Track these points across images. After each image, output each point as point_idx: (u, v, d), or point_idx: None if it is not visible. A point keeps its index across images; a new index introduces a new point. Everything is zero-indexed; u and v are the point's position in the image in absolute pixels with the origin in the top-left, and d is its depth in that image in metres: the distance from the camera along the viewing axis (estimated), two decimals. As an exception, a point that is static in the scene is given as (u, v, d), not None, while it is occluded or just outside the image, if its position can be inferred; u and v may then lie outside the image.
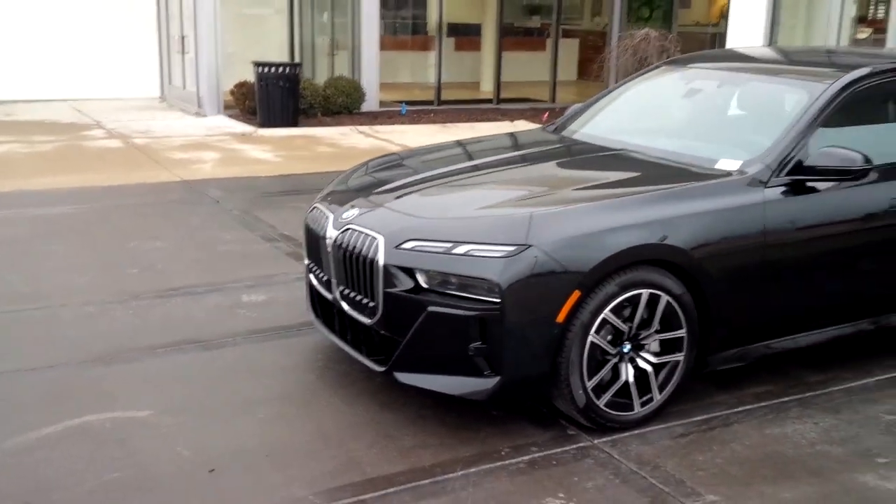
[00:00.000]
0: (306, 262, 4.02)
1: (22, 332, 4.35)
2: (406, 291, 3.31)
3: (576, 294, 3.24)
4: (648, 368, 3.49)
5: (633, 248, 3.33)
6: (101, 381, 3.81)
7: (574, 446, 3.37)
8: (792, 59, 4.98)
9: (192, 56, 12.54)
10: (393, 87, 14.34)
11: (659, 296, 3.42)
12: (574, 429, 3.48)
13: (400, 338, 3.36)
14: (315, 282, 3.92)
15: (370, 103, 13.04)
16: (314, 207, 3.94)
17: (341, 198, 3.85)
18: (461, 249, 3.25)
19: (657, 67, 4.96)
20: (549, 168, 4.19)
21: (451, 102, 14.25)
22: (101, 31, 13.71)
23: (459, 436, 3.41)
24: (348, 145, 10.26)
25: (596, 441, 3.40)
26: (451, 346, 3.27)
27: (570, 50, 16.18)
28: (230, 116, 11.93)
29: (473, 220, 3.39)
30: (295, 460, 3.19)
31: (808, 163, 3.69)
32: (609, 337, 3.40)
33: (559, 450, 3.33)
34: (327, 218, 3.74)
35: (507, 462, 3.22)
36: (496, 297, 3.17)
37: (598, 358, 3.37)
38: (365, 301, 3.47)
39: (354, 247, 3.49)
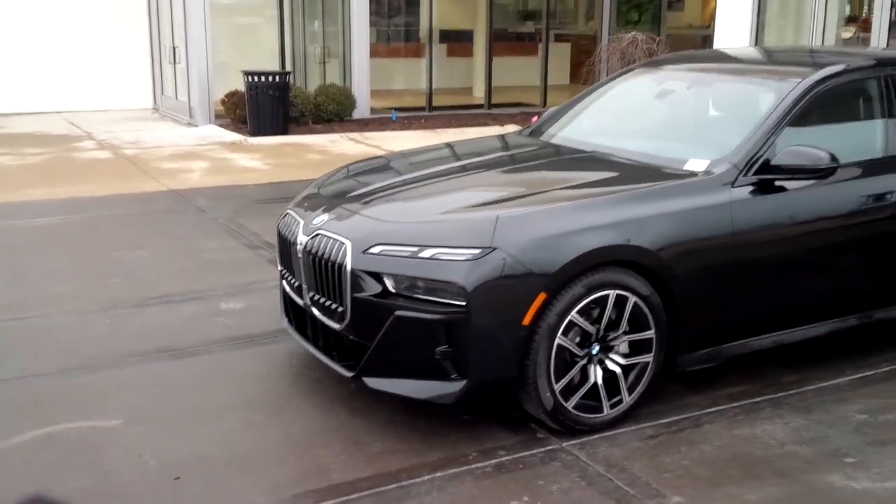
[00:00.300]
0: (279, 268, 4.03)
1: (-2, 343, 4.37)
2: (374, 296, 3.32)
3: (542, 296, 3.25)
4: (617, 370, 3.49)
5: (599, 250, 3.34)
6: (72, 390, 3.82)
7: (542, 449, 3.36)
8: (764, 60, 4.99)
9: (183, 66, 12.59)
10: (385, 93, 14.38)
11: (626, 297, 3.42)
12: (543, 432, 3.48)
13: (368, 342, 3.37)
14: (287, 288, 3.93)
15: (361, 110, 13.08)
16: (286, 213, 3.96)
17: (313, 204, 3.87)
18: (427, 253, 3.26)
19: (632, 70, 4.97)
20: (520, 171, 4.20)
21: (443, 108, 14.29)
22: (94, 44, 13.77)
23: (428, 441, 3.41)
24: (338, 152, 10.27)
25: (565, 444, 3.40)
26: (419, 350, 3.27)
27: (560, 54, 16.21)
28: (221, 126, 11.97)
29: (439, 223, 3.40)
30: (260, 467, 3.19)
31: (774, 162, 3.70)
32: (577, 339, 3.41)
33: (527, 453, 3.33)
34: (298, 224, 3.75)
35: (473, 466, 3.22)
36: (462, 301, 3.18)
37: (565, 360, 3.37)
38: (334, 306, 3.48)
39: (323, 252, 3.50)
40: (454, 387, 3.27)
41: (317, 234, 3.57)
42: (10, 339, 4.41)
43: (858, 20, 11.15)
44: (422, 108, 14.16)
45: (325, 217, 3.64)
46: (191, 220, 6.93)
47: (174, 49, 12.88)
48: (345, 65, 13.39)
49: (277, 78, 11.22)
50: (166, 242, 6.27)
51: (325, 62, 13.77)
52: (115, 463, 3.19)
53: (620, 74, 5.00)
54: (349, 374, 3.47)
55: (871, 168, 4.04)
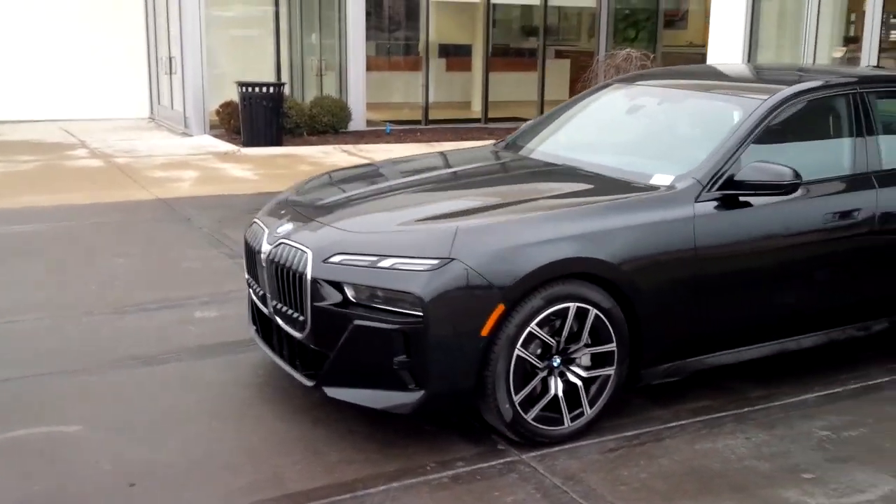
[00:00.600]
0: (246, 276, 4.05)
1: (-30, 348, 4.39)
2: (334, 305, 3.33)
3: (500, 308, 3.25)
4: (578, 382, 3.49)
5: (558, 262, 3.35)
6: (35, 396, 3.83)
7: (501, 461, 3.36)
8: (737, 77, 5.01)
9: (179, 77, 12.67)
10: (382, 106, 14.45)
11: (587, 309, 3.43)
12: (504, 443, 3.48)
13: (329, 352, 3.38)
14: (254, 297, 3.95)
15: (357, 122, 13.14)
16: (253, 222, 3.98)
17: (279, 213, 3.89)
18: (386, 263, 3.27)
19: (607, 85, 5.00)
20: (487, 183, 4.22)
21: (440, 122, 14.34)
22: (91, 53, 13.87)
23: (387, 451, 3.41)
24: (330, 164, 10.29)
25: (524, 456, 3.40)
26: (377, 360, 3.29)
27: (558, 70, 16.28)
28: (216, 136, 12.03)
29: (399, 233, 3.42)
30: (216, 475, 3.20)
31: (738, 177, 3.71)
32: (538, 350, 3.41)
33: (485, 465, 3.33)
34: (263, 232, 3.77)
35: (430, 477, 3.22)
36: (419, 311, 3.19)
37: (525, 371, 3.38)
38: (295, 315, 3.49)
39: (285, 261, 3.51)
40: (412, 397, 3.28)
41: (280, 244, 3.58)
42: (-18, 345, 4.43)
43: (849, 41, 11.19)
44: (418, 122, 14.22)
45: (289, 226, 3.66)
46: (175, 229, 6.96)
47: (171, 59, 12.97)
48: (341, 77, 13.46)
49: (271, 89, 11.28)
50: (148, 251, 6.29)
51: (321, 74, 13.86)
52: (71, 469, 3.20)
53: (596, 90, 5.02)
54: (310, 384, 3.48)
55: (838, 185, 4.06)
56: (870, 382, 4.18)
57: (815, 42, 10.90)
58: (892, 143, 4.35)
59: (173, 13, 12.59)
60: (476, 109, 15.30)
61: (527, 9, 16.29)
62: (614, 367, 3.54)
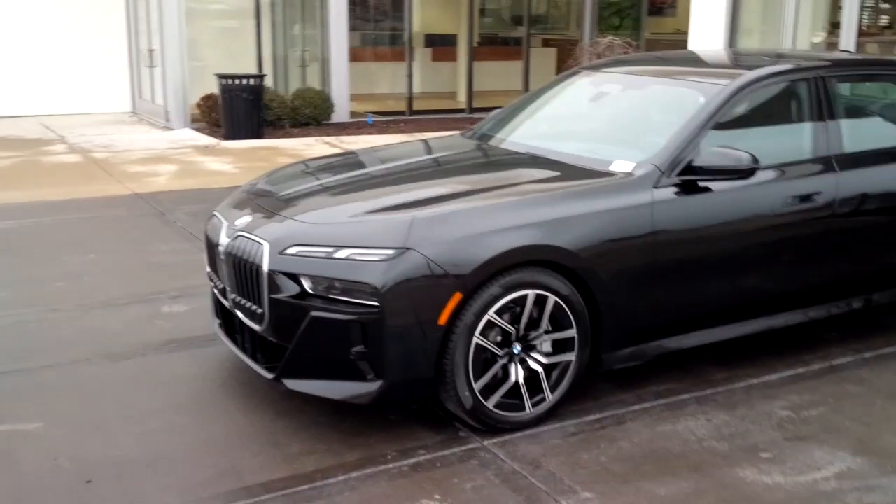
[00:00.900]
0: (207, 270, 4.04)
1: (-63, 347, 4.38)
2: (291, 297, 3.33)
3: (457, 296, 3.26)
4: (539, 369, 3.51)
5: (516, 250, 3.36)
6: None
7: (462, 448, 3.38)
8: (701, 62, 5.01)
9: (160, 70, 12.61)
10: (367, 97, 14.41)
11: (546, 296, 3.44)
12: (466, 431, 3.49)
13: (287, 344, 3.38)
14: (215, 291, 3.94)
15: (340, 114, 13.09)
16: (213, 215, 3.97)
17: (238, 205, 3.89)
18: (342, 254, 3.27)
19: (574, 73, 4.98)
20: (449, 173, 4.22)
21: (424, 112, 14.30)
22: (72, 47, 13.78)
23: (349, 441, 3.42)
24: (310, 156, 10.25)
25: (486, 442, 3.41)
26: (335, 351, 3.29)
27: (543, 58, 16.24)
28: (197, 129, 11.98)
29: (355, 224, 3.42)
30: (175, 469, 3.20)
31: (696, 163, 3.72)
32: (498, 338, 3.43)
33: (447, 452, 3.34)
34: (222, 225, 3.77)
35: (390, 466, 3.24)
36: (375, 301, 3.19)
37: (485, 359, 3.39)
38: (254, 308, 3.49)
39: (242, 254, 3.51)
40: (371, 387, 3.29)
41: (238, 236, 3.58)
42: (-51, 343, 4.42)
43: (831, 26, 11.18)
44: (402, 113, 14.18)
45: (247, 219, 3.66)
46: (149, 224, 6.94)
47: (151, 52, 12.90)
48: (324, 68, 13.41)
49: (251, 81, 11.23)
50: (120, 246, 6.28)
51: (304, 66, 13.80)
52: (29, 466, 3.20)
53: (564, 78, 5.01)
54: (270, 376, 3.49)
55: (798, 169, 4.07)
56: (832, 363, 4.21)
57: (795, 27, 10.90)
58: (853, 126, 4.38)
59: (153, 5, 12.51)
60: (461, 99, 15.27)
61: (511, -3, 16.26)
62: (575, 353, 3.55)
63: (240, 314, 3.63)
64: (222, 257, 3.67)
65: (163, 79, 12.47)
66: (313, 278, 3.30)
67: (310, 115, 12.28)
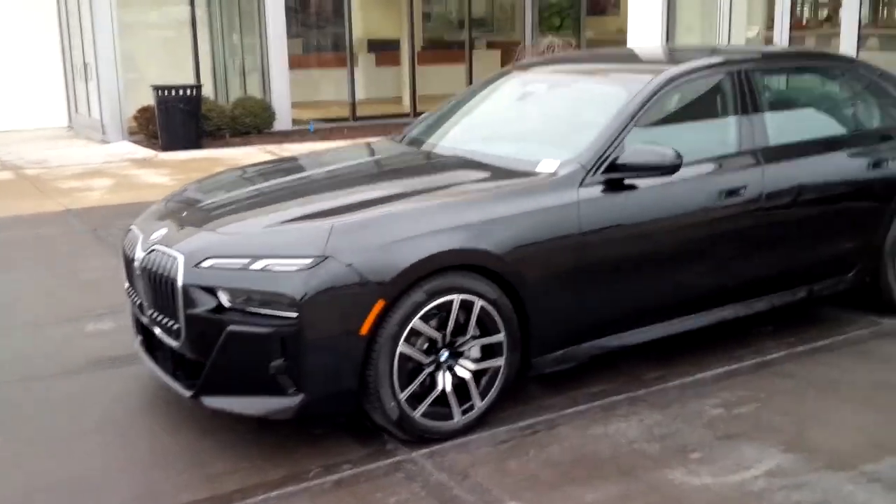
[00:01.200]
0: (126, 286, 3.90)
1: None
2: (208, 311, 3.21)
3: (380, 304, 3.18)
4: (468, 375, 3.43)
5: (439, 255, 3.28)
6: None
7: (389, 461, 3.29)
8: (633, 59, 5.01)
9: (95, 83, 12.32)
10: (311, 105, 14.27)
11: (473, 301, 3.37)
12: (394, 443, 3.41)
13: (205, 360, 3.26)
14: (134, 307, 3.80)
15: (282, 122, 12.94)
16: (129, 229, 3.84)
17: (154, 218, 3.76)
18: (259, 265, 3.17)
19: (503, 73, 4.94)
20: (374, 177, 4.14)
21: (368, 118, 14.21)
22: (4, 62, 13.39)
23: (274, 458, 3.31)
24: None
25: (414, 454, 3.33)
26: (254, 366, 3.18)
27: (486, 61, 16.25)
28: (134, 142, 11.74)
29: (272, 233, 3.32)
30: (91, 492, 3.07)
31: (620, 160, 3.69)
32: (424, 345, 3.35)
33: (373, 465, 3.25)
34: (138, 239, 3.64)
35: (313, 483, 3.13)
36: (293, 312, 3.10)
37: (411, 368, 3.31)
38: (170, 323, 3.37)
39: (157, 268, 3.39)
40: (292, 402, 3.18)
41: (152, 250, 3.46)
42: None
43: (764, 21, 11.36)
44: (345, 119, 14.07)
45: (163, 231, 3.53)
46: (80, 240, 6.74)
47: (86, 66, 12.60)
48: (264, 77, 13.24)
49: (188, 91, 11.04)
50: (48, 263, 6.07)
51: (245, 75, 13.61)
52: (-70, 499, 3.04)
53: (494, 78, 4.96)
54: (188, 395, 3.36)
55: (724, 163, 4.06)
56: (766, 357, 4.21)
57: (730, 23, 11.05)
58: (778, 120, 4.39)
59: (86, 18, 12.23)
60: (405, 104, 15.21)
61: (451, 1, 16.24)
62: (504, 358, 3.49)
63: (157, 331, 3.50)
64: (138, 272, 3.54)
65: (98, 92, 12.19)
66: (230, 291, 3.19)
67: (250, 124, 12.12)
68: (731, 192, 4.00)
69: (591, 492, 3.05)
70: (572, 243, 3.59)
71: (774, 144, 4.24)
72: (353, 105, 14.20)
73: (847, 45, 9.55)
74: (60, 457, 3.33)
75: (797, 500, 2.99)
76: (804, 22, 12.88)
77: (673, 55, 5.06)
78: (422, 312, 3.27)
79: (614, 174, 3.70)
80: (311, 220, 3.36)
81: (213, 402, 3.31)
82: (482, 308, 3.39)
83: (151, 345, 3.73)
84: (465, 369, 3.43)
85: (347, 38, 14.15)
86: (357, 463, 3.27)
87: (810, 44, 11.26)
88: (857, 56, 9.36)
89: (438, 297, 3.30)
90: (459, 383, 3.43)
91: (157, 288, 3.41)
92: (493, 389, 3.50)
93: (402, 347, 3.25)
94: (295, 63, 14.06)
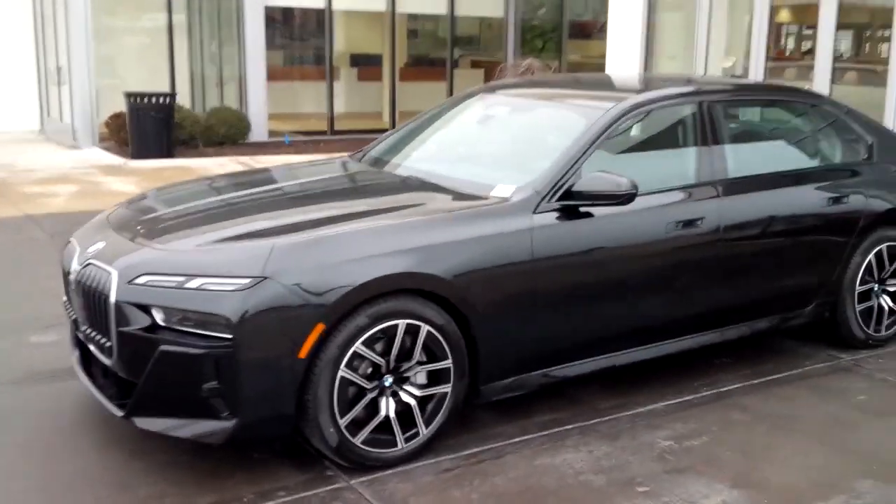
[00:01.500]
0: (64, 299, 3.78)
1: None
2: (142, 329, 3.10)
3: (319, 328, 3.08)
4: (412, 402, 3.34)
5: (383, 278, 3.20)
6: None
7: (326, 488, 3.18)
8: (602, 85, 4.97)
9: (68, 87, 12.17)
10: (288, 117, 14.18)
11: (419, 326, 3.28)
12: (334, 469, 3.30)
13: (137, 379, 3.15)
14: (70, 321, 3.68)
15: (258, 133, 12.85)
16: (69, 241, 3.72)
17: (94, 231, 3.65)
18: (194, 283, 3.06)
19: (469, 95, 4.86)
20: (326, 196, 4.05)
21: (346, 132, 14.12)
22: (-24, 64, 13.23)
23: (206, 483, 3.20)
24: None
25: (353, 481, 3.23)
26: (187, 387, 3.07)
27: (468, 79, 16.22)
28: (105, 149, 11.58)
29: (210, 251, 3.22)
30: (4, 518, 2.94)
31: (576, 188, 3.62)
32: (368, 370, 3.25)
33: (309, 493, 3.15)
34: (75, 252, 3.52)
35: (243, 510, 3.03)
36: (228, 334, 2.99)
37: (351, 394, 3.21)
38: (103, 341, 3.25)
39: (91, 283, 3.28)
40: (225, 425, 3.07)
41: (88, 264, 3.35)
42: None
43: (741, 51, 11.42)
44: (323, 132, 13.99)
45: (100, 245, 3.42)
46: (35, 247, 6.59)
47: (59, 70, 12.45)
48: (241, 88, 13.14)
49: (161, 100, 10.91)
50: (1, 270, 5.92)
51: (222, 85, 13.51)
52: None
53: (460, 99, 4.89)
54: (120, 414, 3.24)
55: (681, 194, 4.01)
56: (721, 389, 4.15)
57: (707, 52, 11.10)
58: (739, 152, 4.37)
59: (60, 22, 12.10)
60: (385, 119, 15.15)
61: (434, 19, 16.25)
62: (451, 385, 3.40)
63: (92, 347, 3.38)
64: (73, 286, 3.42)
65: (70, 97, 12.04)
66: (165, 310, 3.08)
67: (225, 134, 12.00)
68: (688, 223, 3.95)
69: (530, 527, 2.96)
70: (524, 270, 3.51)
71: (734, 177, 4.19)
72: (332, 118, 14.12)
73: (820, 78, 9.62)
74: (-17, 476, 3.20)
75: (740, 540, 2.92)
76: (787, 53, 13.00)
77: (638, 84, 5.02)
78: (364, 337, 3.18)
79: (570, 201, 3.63)
80: (252, 239, 3.26)
81: (145, 423, 3.19)
82: (428, 333, 3.30)
83: (88, 361, 3.62)
84: (409, 395, 3.34)
85: (327, 52, 14.08)
86: (293, 490, 3.16)
87: (790, 74, 11.33)
88: (830, 90, 9.45)
89: (382, 322, 3.21)
90: (404, 410, 3.34)
91: (90, 304, 3.30)
92: (438, 416, 3.40)
93: (343, 372, 3.16)
94: (275, 74, 13.97)
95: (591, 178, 3.62)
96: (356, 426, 3.23)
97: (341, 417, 3.18)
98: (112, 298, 3.13)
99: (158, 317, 3.08)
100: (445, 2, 15.02)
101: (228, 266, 3.09)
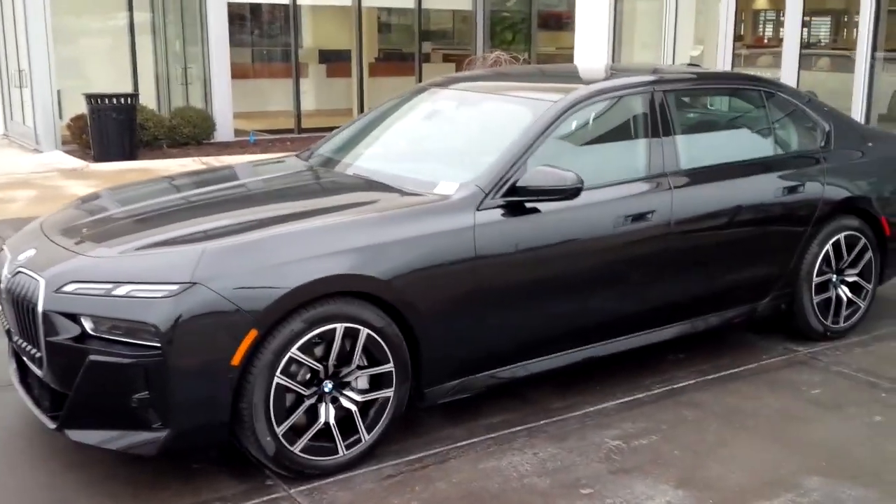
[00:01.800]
0: (-1, 309, 3.68)
1: None
2: (71, 339, 3.01)
3: (252, 334, 3.00)
4: (353, 408, 3.27)
5: (318, 281, 3.12)
6: None
7: (264, 498, 3.11)
8: (549, 77, 4.90)
9: (29, 90, 11.96)
10: (255, 115, 14.02)
11: (358, 329, 3.21)
12: (274, 478, 3.23)
13: (68, 391, 3.06)
14: (5, 331, 3.58)
15: (223, 133, 12.68)
16: (1, 248, 3.62)
17: (28, 238, 3.55)
18: (122, 290, 2.98)
19: (422, 89, 4.78)
20: (267, 197, 3.96)
21: (314, 130, 13.96)
22: (-65, 67, 12.98)
23: (142, 495, 3.12)
24: (185, 177, 9.85)
25: (292, 490, 3.16)
26: (117, 398, 2.99)
27: (437, 73, 16.00)
28: (68, 152, 11.38)
29: (138, 257, 3.13)
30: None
31: (520, 183, 3.56)
32: (307, 376, 3.18)
33: (245, 503, 3.07)
34: (6, 260, 3.42)
35: (178, 523, 2.95)
36: (157, 342, 2.91)
37: (289, 401, 3.14)
38: (34, 351, 3.16)
39: (20, 292, 3.18)
40: (157, 436, 2.99)
41: (17, 272, 3.25)
42: None
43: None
44: (291, 130, 13.85)
45: (31, 252, 3.32)
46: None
47: (20, 72, 12.23)
48: (206, 87, 12.97)
49: (123, 100, 10.73)
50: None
51: (187, 84, 13.33)
52: None
53: (412, 94, 4.80)
54: (53, 426, 3.15)
55: (631, 188, 3.95)
56: (674, 386, 4.10)
57: (674, 42, 11.08)
58: (692, 143, 4.31)
59: (20, 24, 11.88)
60: (355, 116, 15.02)
61: (402, 12, 16.14)
62: (393, 389, 3.33)
63: (25, 358, 3.29)
64: (3, 295, 3.32)
65: (31, 99, 11.83)
66: (94, 318, 2.99)
67: (189, 134, 11.84)
68: (639, 217, 3.90)
69: (470, 533, 2.91)
70: (467, 269, 3.44)
71: (687, 168, 4.14)
72: (299, 116, 13.98)
73: (788, 65, 9.60)
74: (-90, 494, 3.10)
75: (682, 541, 2.88)
76: (754, 40, 12.99)
77: (592, 75, 4.95)
78: (300, 342, 3.10)
79: (514, 197, 3.57)
80: (182, 244, 3.17)
81: (77, 435, 3.10)
82: (368, 337, 3.23)
83: (24, 372, 3.52)
84: (350, 401, 3.27)
85: (293, 48, 13.94)
86: (230, 500, 3.09)
87: (760, 61, 11.31)
88: (798, 77, 9.44)
89: (319, 326, 3.13)
90: (347, 415, 3.27)
91: (20, 313, 3.20)
92: (381, 422, 3.33)
93: (279, 378, 3.08)
94: (241, 73, 13.78)
95: (535, 172, 3.55)
96: (295, 433, 3.16)
97: (279, 425, 3.10)
98: (40, 308, 3.04)
99: (88, 326, 3.00)
100: (412, -6, 14.94)
101: (157, 272, 3.01)
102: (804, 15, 9.61)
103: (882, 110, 9.18)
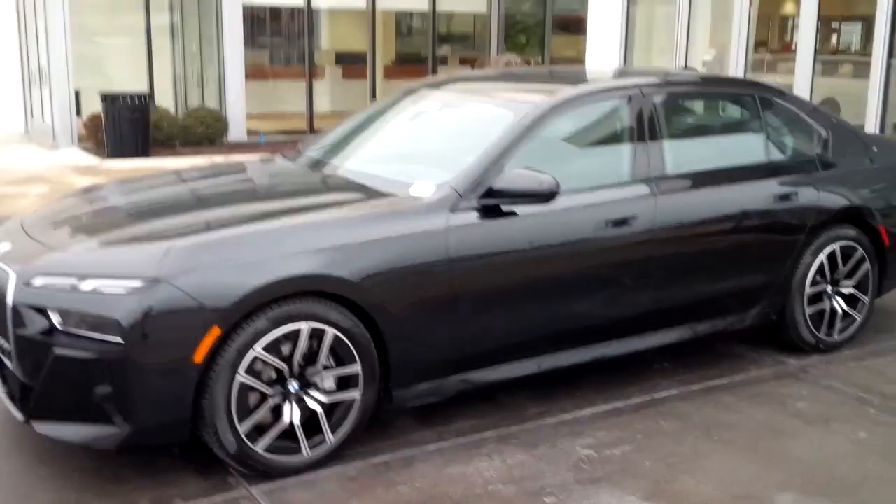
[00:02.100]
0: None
1: None
2: (39, 333, 3.03)
3: (215, 331, 3.00)
4: (318, 408, 3.25)
5: (282, 281, 3.11)
6: None
7: (224, 496, 3.10)
8: (539, 79, 4.87)
9: (48, 88, 12.13)
10: (268, 116, 14.10)
11: (324, 330, 3.20)
12: (236, 476, 3.22)
13: (35, 384, 3.08)
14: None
15: (237, 133, 12.77)
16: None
17: (6, 233, 3.58)
18: (88, 285, 2.99)
19: (414, 90, 4.76)
20: (240, 196, 3.96)
21: (328, 132, 14.04)
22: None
23: (105, 489, 3.12)
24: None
25: (253, 489, 3.14)
26: (81, 392, 3.00)
27: (453, 77, 16.14)
28: (84, 149, 11.53)
29: (105, 253, 3.15)
30: None
31: (497, 186, 3.52)
32: (272, 375, 3.17)
33: (204, 501, 3.06)
34: (-16, 255, 3.45)
35: (135, 518, 2.95)
36: (118, 337, 2.91)
37: (253, 399, 3.13)
38: (4, 344, 3.18)
39: (-8, 285, 3.21)
40: (118, 431, 3.00)
41: (-9, 266, 3.27)
42: None
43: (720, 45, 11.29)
44: (303, 131, 13.91)
45: (6, 246, 3.35)
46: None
47: (40, 71, 12.41)
48: (221, 88, 13.08)
49: (137, 100, 10.85)
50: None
51: (203, 84, 13.46)
52: None
53: (403, 95, 4.78)
54: (21, 418, 3.17)
55: (613, 192, 3.89)
56: (655, 396, 4.03)
57: (687, 45, 10.98)
58: (680, 148, 4.24)
59: (41, 22, 12.06)
60: (367, 118, 15.04)
61: (417, 15, 16.16)
62: (360, 391, 3.31)
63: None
64: (-23, 289, 3.35)
65: (50, 97, 12.00)
66: (61, 312, 3.00)
67: (202, 134, 11.94)
68: (620, 222, 3.84)
69: (426, 538, 2.88)
70: (439, 271, 3.41)
71: (672, 174, 4.08)
72: (311, 117, 14.05)
73: (801, 71, 9.47)
74: None
75: (641, 553, 2.82)
76: (769, 45, 12.83)
77: (581, 78, 4.90)
78: (265, 341, 3.09)
79: (490, 200, 3.54)
80: (151, 241, 3.18)
81: (43, 427, 3.12)
82: (335, 337, 3.22)
83: (1, 365, 3.54)
84: (315, 401, 3.25)
85: (307, 50, 14.02)
86: (190, 497, 3.08)
87: (773, 67, 11.17)
88: (812, 83, 9.30)
89: (285, 325, 3.12)
90: (312, 416, 3.25)
91: (-7, 306, 3.22)
92: (346, 423, 3.31)
93: (242, 377, 3.07)
94: (256, 74, 13.87)
95: (512, 175, 3.52)
96: (259, 432, 3.15)
97: (240, 423, 3.10)
98: (9, 300, 3.06)
99: (55, 320, 3.01)
100: (427, -3, 14.96)
101: (122, 268, 3.02)
102: (819, 21, 9.50)
103: (897, 118, 9.03)
